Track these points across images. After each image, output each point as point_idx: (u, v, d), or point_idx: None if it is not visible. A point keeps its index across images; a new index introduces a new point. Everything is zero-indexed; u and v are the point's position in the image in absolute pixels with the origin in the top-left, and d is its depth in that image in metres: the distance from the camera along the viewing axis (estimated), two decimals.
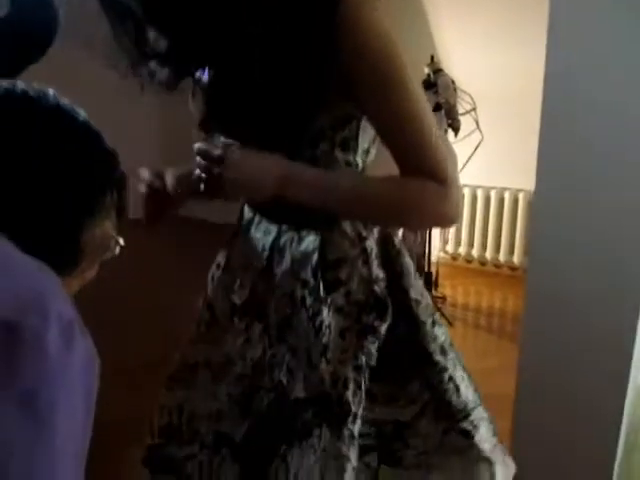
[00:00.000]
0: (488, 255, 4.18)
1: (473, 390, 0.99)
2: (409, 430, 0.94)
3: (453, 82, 3.17)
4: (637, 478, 1.89)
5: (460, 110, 3.21)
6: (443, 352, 0.95)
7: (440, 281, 3.73)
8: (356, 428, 0.87)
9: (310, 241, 0.90)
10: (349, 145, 0.87)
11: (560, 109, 1.55)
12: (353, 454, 0.86)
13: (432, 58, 3.26)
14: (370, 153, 0.93)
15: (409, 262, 0.96)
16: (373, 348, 0.88)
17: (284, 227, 0.93)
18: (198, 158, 0.80)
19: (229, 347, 0.97)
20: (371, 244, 0.91)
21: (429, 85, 3.12)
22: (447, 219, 0.88)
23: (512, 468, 1.04)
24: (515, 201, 3.98)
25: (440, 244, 4.18)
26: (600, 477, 1.65)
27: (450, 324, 3.30)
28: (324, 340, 0.87)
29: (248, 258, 0.98)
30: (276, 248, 0.93)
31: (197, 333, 1.03)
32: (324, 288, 0.88)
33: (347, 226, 0.90)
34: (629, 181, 1.46)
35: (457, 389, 0.95)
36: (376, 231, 0.93)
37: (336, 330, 0.88)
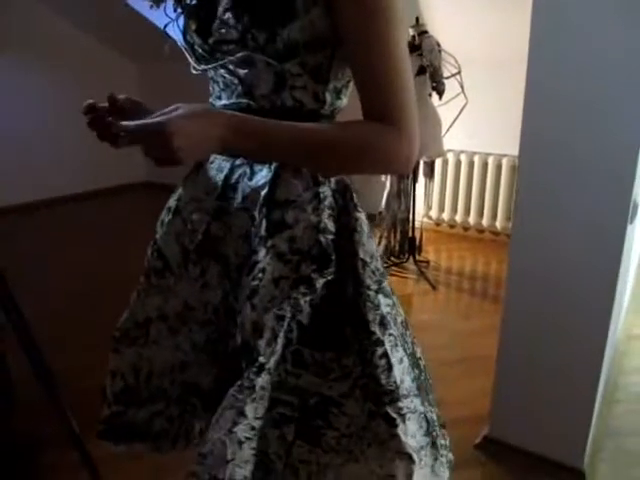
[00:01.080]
0: (471, 220, 4.21)
1: (412, 378, 0.88)
2: (336, 408, 0.83)
3: (438, 44, 3.14)
4: (612, 430, 1.96)
5: (445, 73, 3.18)
6: (383, 324, 0.85)
7: (424, 246, 3.76)
8: (260, 382, 0.78)
9: (262, 176, 0.85)
10: (320, 74, 0.84)
11: (545, 72, 1.54)
12: (250, 410, 0.77)
13: (417, 20, 3.21)
14: (341, 98, 0.89)
15: (364, 219, 0.89)
16: (303, 301, 0.80)
17: (237, 162, 0.89)
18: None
19: (186, 294, 0.92)
20: (326, 191, 0.85)
21: (413, 47, 3.09)
22: (398, 162, 0.83)
23: None
24: (498, 166, 3.99)
25: (424, 209, 4.19)
26: (578, 432, 1.70)
27: (433, 288, 3.34)
28: (253, 284, 0.81)
29: (199, 198, 0.92)
30: (229, 184, 0.89)
31: (147, 285, 0.96)
32: (266, 229, 0.82)
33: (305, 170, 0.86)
34: (613, 142, 1.47)
35: (389, 368, 0.84)
36: (334, 179, 0.87)
37: (270, 276, 0.81)
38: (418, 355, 0.96)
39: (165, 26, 0.92)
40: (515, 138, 1.66)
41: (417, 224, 3.65)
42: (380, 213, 3.51)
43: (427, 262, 3.69)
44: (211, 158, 0.93)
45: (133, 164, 5.62)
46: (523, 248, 1.69)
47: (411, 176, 3.41)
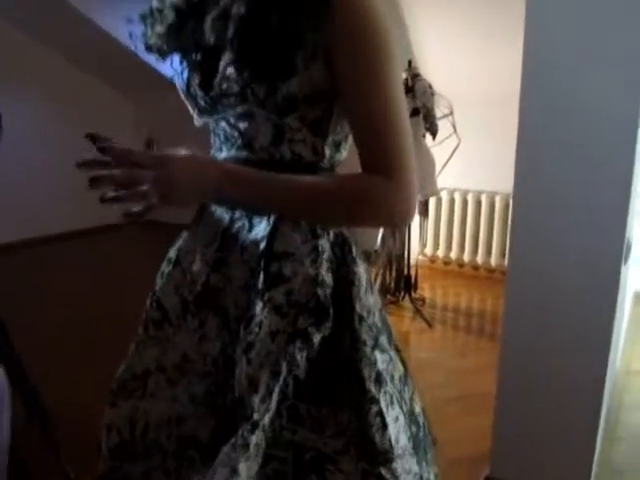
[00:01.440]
0: (466, 257, 4.24)
1: (408, 437, 0.86)
2: (331, 464, 0.81)
3: (430, 87, 3.22)
4: (616, 468, 1.94)
5: (437, 114, 3.25)
6: (378, 382, 0.83)
7: (419, 284, 3.76)
8: (254, 439, 0.77)
9: (261, 228, 0.85)
10: (319, 128, 0.85)
11: (537, 110, 1.58)
12: (243, 468, 0.76)
13: (410, 63, 3.30)
14: (340, 152, 0.90)
15: (363, 273, 0.88)
16: (299, 356, 0.79)
17: (236, 214, 0.89)
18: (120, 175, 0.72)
19: (184, 346, 0.90)
20: (324, 244, 0.85)
21: (407, 90, 3.16)
22: (397, 215, 0.84)
23: None
24: (492, 204, 4.04)
25: (419, 247, 4.22)
26: (581, 470, 1.68)
27: (430, 325, 3.33)
28: (250, 338, 0.81)
29: (199, 250, 0.91)
30: (228, 236, 0.89)
31: (145, 337, 0.95)
32: (264, 281, 0.82)
33: (304, 222, 0.86)
34: (607, 181, 1.50)
35: (384, 427, 0.82)
36: (333, 232, 0.87)
37: (267, 329, 0.80)
38: (417, 411, 0.94)
39: (171, 78, 0.94)
40: (507, 175, 1.69)
41: (412, 261, 3.67)
42: (376, 251, 3.53)
43: (423, 300, 3.69)
44: (211, 209, 0.93)
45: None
46: (519, 285, 1.70)
47: None
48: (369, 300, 0.87)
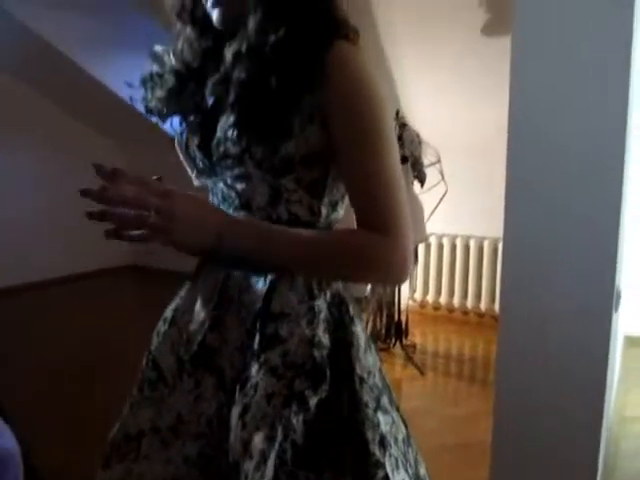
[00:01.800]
0: (456, 302, 4.24)
1: None
2: None
3: (418, 135, 3.29)
4: None
5: (425, 162, 3.31)
6: (383, 445, 0.80)
7: (410, 329, 3.75)
8: None
9: (257, 288, 0.85)
10: (316, 189, 0.86)
11: (525, 159, 1.62)
12: None
13: (397, 113, 3.38)
14: (337, 211, 0.91)
15: (362, 332, 0.88)
16: (296, 420, 0.77)
17: (233, 273, 0.89)
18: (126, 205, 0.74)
19: (179, 406, 0.88)
20: (321, 305, 0.85)
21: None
22: (395, 272, 0.84)
23: None
24: (480, 248, 4.08)
25: (408, 292, 4.22)
26: None
27: (422, 373, 3.30)
28: (245, 400, 0.80)
29: (196, 309, 0.91)
30: (225, 295, 0.88)
31: (139, 397, 0.93)
32: (259, 342, 0.81)
33: (299, 279, 0.85)
34: (595, 229, 1.53)
35: None
36: (330, 292, 0.87)
37: (263, 392, 0.79)
38: (422, 473, 0.91)
39: (172, 139, 0.96)
40: (495, 220, 1.71)
41: (402, 307, 3.67)
42: (366, 297, 3.53)
43: (414, 346, 3.67)
44: (207, 270, 0.92)
45: (118, 246, 5.63)
46: (512, 330, 1.70)
47: None
48: (368, 360, 0.86)
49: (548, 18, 1.55)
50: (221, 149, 0.85)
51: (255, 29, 0.82)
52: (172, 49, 0.94)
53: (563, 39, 1.53)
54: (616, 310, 1.58)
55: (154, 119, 0.95)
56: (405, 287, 3.94)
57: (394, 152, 0.84)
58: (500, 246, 3.78)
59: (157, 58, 0.95)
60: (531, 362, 1.67)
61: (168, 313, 0.97)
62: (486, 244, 4.03)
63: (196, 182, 0.95)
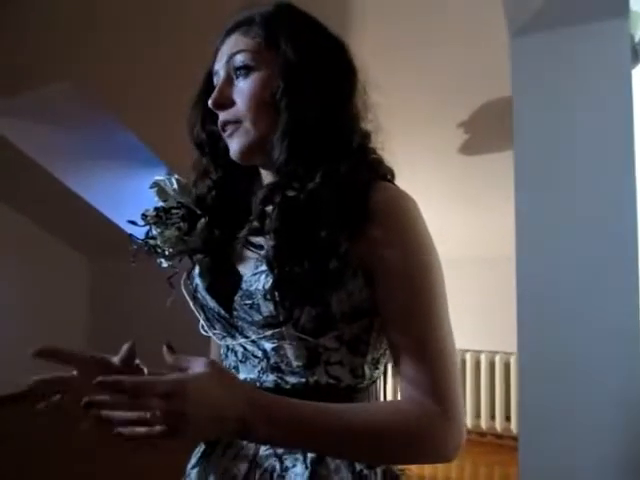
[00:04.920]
0: (469, 423, 4.03)
1: None
2: None
3: None
4: None
5: None
6: None
7: None
8: None
9: (296, 473, 0.73)
10: (358, 347, 0.76)
11: (534, 270, 1.60)
12: None
13: None
14: (378, 369, 0.81)
15: None
16: None
17: (263, 450, 0.77)
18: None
19: None
20: None
21: None
22: (448, 450, 0.71)
23: None
24: (492, 363, 3.94)
25: None
26: None
27: None
28: None
29: None
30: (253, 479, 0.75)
31: None
32: None
33: (342, 460, 0.74)
34: (608, 333, 1.47)
35: None
36: (380, 470, 0.77)
37: None
38: None
39: (169, 278, 0.86)
40: (506, 335, 1.65)
41: None
42: None
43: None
44: (227, 441, 0.80)
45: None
46: (534, 454, 1.58)
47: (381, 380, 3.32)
48: None
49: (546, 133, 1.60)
50: (247, 303, 0.75)
51: (285, 173, 0.75)
52: (175, 179, 0.86)
53: (562, 153, 1.57)
54: None
55: (159, 259, 0.85)
56: None
57: (448, 317, 0.74)
58: (512, 361, 3.67)
59: (159, 190, 0.86)
60: None
61: None
62: (497, 359, 3.90)
63: (204, 332, 0.85)
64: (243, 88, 0.78)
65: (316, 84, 0.77)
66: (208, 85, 0.84)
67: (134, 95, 3.41)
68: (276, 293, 0.71)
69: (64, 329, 5.34)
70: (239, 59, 0.78)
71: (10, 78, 3.52)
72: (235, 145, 0.80)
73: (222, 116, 0.80)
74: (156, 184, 0.86)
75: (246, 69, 0.78)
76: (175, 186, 0.86)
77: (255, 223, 0.77)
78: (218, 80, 0.81)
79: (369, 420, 0.70)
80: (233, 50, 0.79)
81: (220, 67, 0.81)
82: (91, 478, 3.31)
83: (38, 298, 5.07)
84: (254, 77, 0.77)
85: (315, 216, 0.71)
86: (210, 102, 0.79)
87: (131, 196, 4.53)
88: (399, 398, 0.73)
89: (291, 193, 0.73)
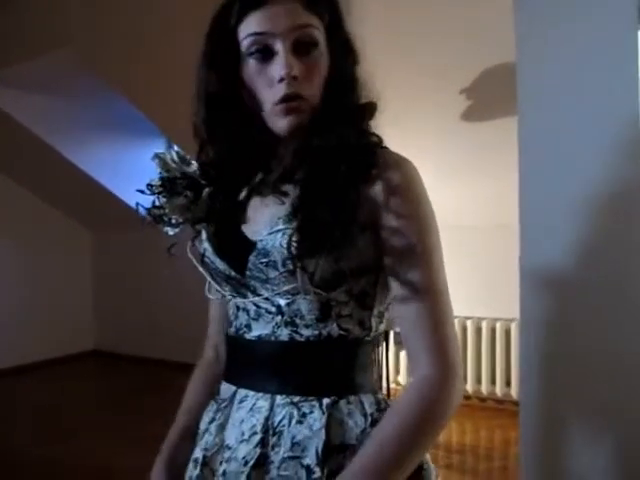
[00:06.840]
0: (469, 388, 4.08)
1: None
2: None
3: None
4: None
5: None
6: None
7: None
8: None
9: (315, 419, 0.77)
10: (365, 300, 0.81)
11: (536, 237, 1.59)
12: None
13: None
14: (382, 322, 0.86)
15: (432, 467, 0.82)
16: None
17: (279, 399, 0.79)
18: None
19: None
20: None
21: None
22: (453, 410, 0.76)
23: None
24: (493, 331, 3.97)
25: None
26: None
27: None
28: None
29: (231, 446, 0.81)
30: (271, 429, 0.78)
31: None
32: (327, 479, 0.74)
33: (355, 404, 0.79)
34: (610, 300, 1.48)
35: None
36: None
37: None
38: None
39: (170, 248, 0.90)
40: (506, 302, 1.65)
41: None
42: None
43: None
44: (241, 395, 0.84)
45: (79, 332, 5.41)
46: (533, 416, 1.61)
47: (383, 346, 3.35)
48: None
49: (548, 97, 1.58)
50: (262, 262, 0.78)
51: (313, 133, 0.80)
52: (175, 152, 0.88)
53: (567, 116, 1.55)
54: None
55: (165, 228, 0.88)
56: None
57: (444, 266, 0.80)
58: (513, 327, 3.69)
59: (161, 161, 0.87)
60: (553, 448, 1.57)
61: (197, 453, 0.87)
62: (498, 326, 3.93)
63: (211, 295, 0.88)
64: (313, 67, 0.80)
65: (351, 62, 0.84)
66: (228, 44, 0.80)
67: (135, 67, 3.37)
68: (294, 245, 0.75)
69: (68, 297, 5.39)
70: (307, 34, 0.79)
71: (5, 46, 3.47)
72: (295, 119, 0.79)
73: (288, 88, 0.77)
74: (157, 156, 0.87)
75: (314, 46, 0.79)
76: (175, 158, 0.87)
77: (282, 170, 0.82)
78: (266, 42, 0.78)
79: (404, 425, 0.73)
80: (299, 22, 0.78)
81: (277, 31, 0.77)
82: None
83: (39, 268, 5.12)
84: (321, 57, 0.81)
85: (338, 168, 0.77)
86: (286, 72, 0.77)
87: (130, 167, 4.51)
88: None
89: (322, 144, 0.78)
